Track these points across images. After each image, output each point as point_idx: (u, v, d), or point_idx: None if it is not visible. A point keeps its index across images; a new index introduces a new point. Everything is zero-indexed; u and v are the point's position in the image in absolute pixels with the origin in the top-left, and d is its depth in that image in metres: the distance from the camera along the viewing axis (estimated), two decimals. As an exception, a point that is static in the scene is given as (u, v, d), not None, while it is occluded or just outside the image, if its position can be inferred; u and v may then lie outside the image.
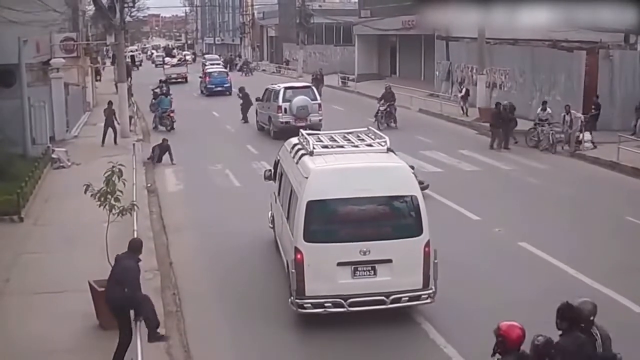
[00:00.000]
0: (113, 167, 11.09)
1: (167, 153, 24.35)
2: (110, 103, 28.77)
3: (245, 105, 34.29)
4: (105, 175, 11.02)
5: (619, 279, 12.56)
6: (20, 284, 12.91)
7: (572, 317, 7.31)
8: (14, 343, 10.56)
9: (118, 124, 28.64)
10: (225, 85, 47.73)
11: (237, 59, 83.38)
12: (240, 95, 35.24)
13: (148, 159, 24.40)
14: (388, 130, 27.99)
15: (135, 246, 10.12)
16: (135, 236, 13.48)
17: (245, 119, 34.08)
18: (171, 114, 31.94)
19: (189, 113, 35.70)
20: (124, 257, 9.96)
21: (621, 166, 21.72)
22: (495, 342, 7.06)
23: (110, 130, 27.78)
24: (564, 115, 24.20)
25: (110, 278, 9.97)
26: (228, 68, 65.66)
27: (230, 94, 46.79)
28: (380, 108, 30.94)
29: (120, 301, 9.67)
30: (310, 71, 59.01)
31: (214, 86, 47.32)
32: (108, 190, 10.90)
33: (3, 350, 10.34)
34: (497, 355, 7.13)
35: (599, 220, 16.63)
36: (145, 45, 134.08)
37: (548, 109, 25.53)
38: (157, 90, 37.22)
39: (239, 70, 71.36)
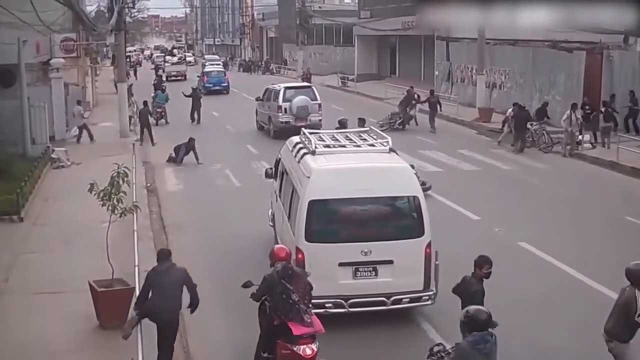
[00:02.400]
0: (118, 167, 11.05)
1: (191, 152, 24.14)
2: (145, 103, 30.05)
3: (195, 105, 33.93)
4: (111, 175, 10.99)
5: (618, 279, 12.51)
6: (19, 283, 12.88)
7: None
8: (14, 343, 10.53)
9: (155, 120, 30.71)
10: (222, 84, 48.62)
11: (237, 59, 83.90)
12: (192, 95, 34.56)
13: (169, 159, 24.17)
14: (388, 131, 27.98)
15: (166, 255, 9.88)
16: (136, 236, 13.49)
17: (195, 120, 33.65)
18: (158, 109, 33.38)
19: (188, 112, 35.70)
20: (170, 270, 9.62)
21: (621, 166, 21.73)
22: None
23: (145, 130, 28.56)
24: (570, 114, 24.13)
25: (158, 293, 9.47)
26: (248, 71, 68.20)
27: (227, 92, 47.83)
28: (400, 114, 30.61)
29: (176, 315, 9.52)
30: (311, 72, 59.13)
31: (211, 85, 48.08)
32: (112, 191, 10.87)
33: (2, 351, 10.31)
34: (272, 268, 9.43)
35: (599, 220, 16.64)
36: (143, 46, 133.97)
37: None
38: (155, 83, 39.56)
39: (244, 70, 72.42)
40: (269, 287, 9.20)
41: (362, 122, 20.78)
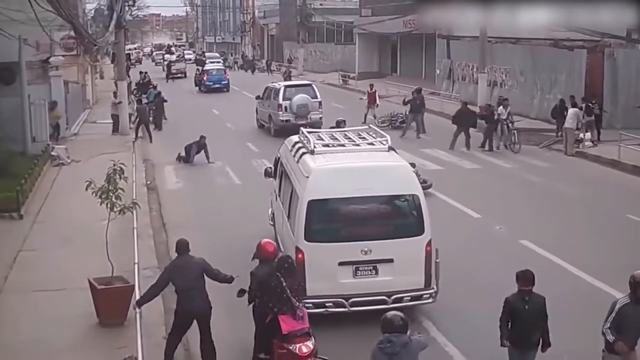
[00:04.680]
0: (114, 165, 11.03)
1: (202, 151, 23.88)
2: (139, 101, 30.21)
3: (158, 110, 31.76)
4: (107, 173, 10.97)
5: (619, 277, 12.47)
6: (19, 281, 12.84)
7: None
8: (13, 341, 10.50)
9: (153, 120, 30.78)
10: (223, 82, 48.55)
11: (239, 57, 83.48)
12: (155, 100, 32.24)
13: (178, 158, 23.94)
14: (389, 130, 27.98)
15: (184, 246, 9.80)
16: (136, 234, 13.47)
17: (159, 127, 31.15)
18: (154, 107, 32.86)
19: (190, 111, 35.73)
20: (188, 263, 9.65)
21: (622, 164, 21.70)
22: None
23: (143, 127, 28.72)
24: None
25: (182, 291, 9.55)
26: (250, 71, 67.27)
27: (228, 90, 47.77)
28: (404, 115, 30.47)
29: (207, 306, 9.64)
30: (312, 70, 59.02)
31: (212, 83, 48.04)
32: (110, 188, 10.84)
33: (2, 349, 10.29)
34: (257, 260, 9.76)
35: (600, 218, 16.60)
36: (142, 43, 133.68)
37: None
38: (140, 82, 40.02)
39: (244, 69, 71.62)
40: (263, 281, 9.25)
41: (340, 123, 20.10)
